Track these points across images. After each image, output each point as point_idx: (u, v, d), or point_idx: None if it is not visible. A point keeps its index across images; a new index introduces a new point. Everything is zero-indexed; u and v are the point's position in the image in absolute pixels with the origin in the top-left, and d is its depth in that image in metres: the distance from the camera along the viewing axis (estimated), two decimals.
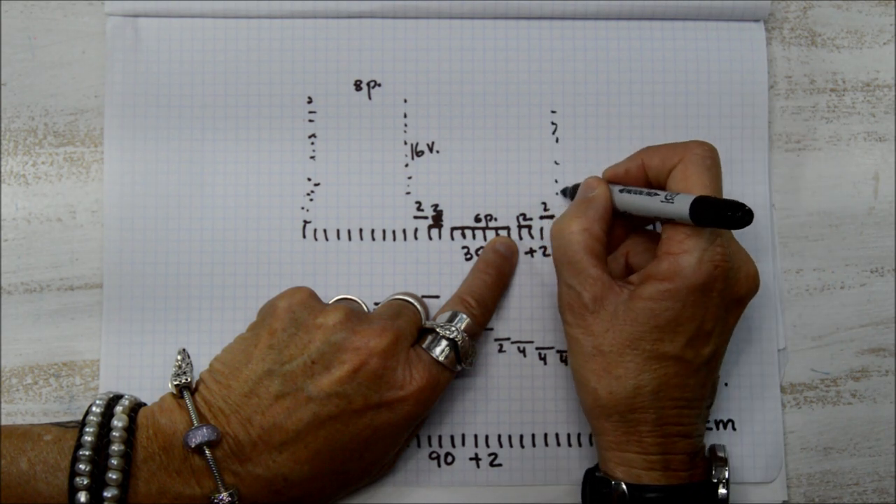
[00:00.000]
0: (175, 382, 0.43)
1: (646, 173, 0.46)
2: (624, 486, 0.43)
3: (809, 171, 0.53)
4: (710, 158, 0.44)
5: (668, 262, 0.42)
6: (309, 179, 0.51)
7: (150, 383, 0.49)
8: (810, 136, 0.53)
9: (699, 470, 0.44)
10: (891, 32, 0.54)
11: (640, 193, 0.45)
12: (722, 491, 0.44)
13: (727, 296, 0.44)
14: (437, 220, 0.51)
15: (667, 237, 0.43)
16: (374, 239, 0.51)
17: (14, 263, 0.50)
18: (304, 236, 0.51)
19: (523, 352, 0.50)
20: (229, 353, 0.44)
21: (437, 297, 0.50)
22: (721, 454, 0.45)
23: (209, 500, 0.41)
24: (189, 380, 0.43)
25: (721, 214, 0.40)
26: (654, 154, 0.45)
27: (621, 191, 0.46)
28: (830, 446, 0.51)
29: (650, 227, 0.50)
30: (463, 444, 0.50)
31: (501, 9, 0.51)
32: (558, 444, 0.50)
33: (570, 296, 0.45)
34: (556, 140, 0.52)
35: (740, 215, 0.39)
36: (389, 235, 0.51)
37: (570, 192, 0.50)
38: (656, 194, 0.43)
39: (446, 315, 0.46)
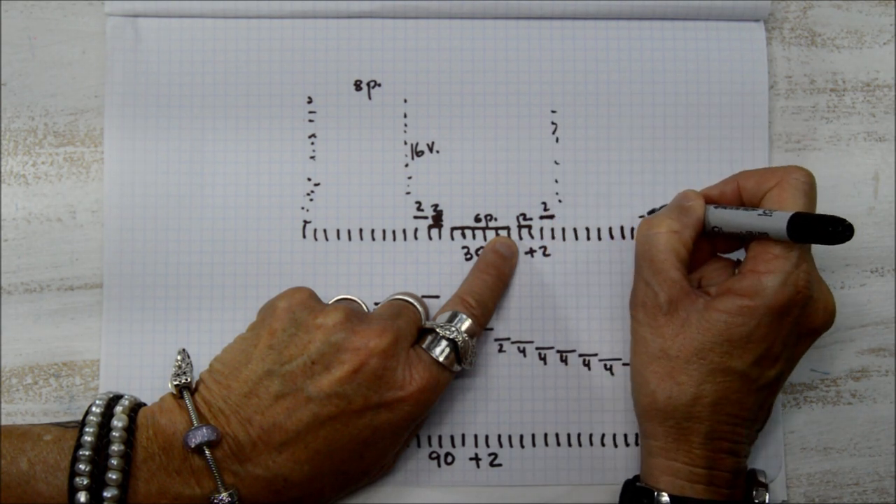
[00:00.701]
0: (175, 382, 0.43)
1: (741, 196, 0.46)
2: (666, 498, 0.43)
3: None
4: (807, 184, 0.44)
5: (751, 280, 0.43)
6: (309, 179, 0.51)
7: (150, 383, 0.49)
8: (810, 136, 0.53)
9: (739, 490, 0.45)
10: (891, 32, 0.54)
11: (736, 208, 0.44)
12: None
13: (802, 324, 0.44)
14: (437, 220, 0.51)
15: (753, 255, 0.43)
16: (374, 239, 0.51)
17: (14, 263, 0.50)
18: (304, 236, 0.51)
19: (523, 352, 0.50)
20: (229, 354, 0.44)
21: (437, 297, 0.50)
22: (762, 479, 0.46)
23: (209, 500, 0.41)
24: (189, 380, 0.43)
25: (821, 229, 0.39)
26: (749, 177, 0.45)
27: (716, 207, 0.46)
28: (830, 446, 0.51)
29: (730, 256, 0.49)
30: (463, 444, 0.50)
31: (501, 9, 0.51)
32: (558, 444, 0.50)
33: (647, 294, 0.45)
34: (556, 140, 0.52)
35: (840, 230, 0.39)
36: (389, 235, 0.51)
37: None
38: (753, 209, 0.43)
39: (446, 315, 0.46)
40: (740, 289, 0.43)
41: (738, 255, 0.48)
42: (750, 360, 0.43)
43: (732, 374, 0.43)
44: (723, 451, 0.44)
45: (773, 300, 0.42)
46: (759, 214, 0.43)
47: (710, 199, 0.47)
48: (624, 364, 0.50)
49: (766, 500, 0.45)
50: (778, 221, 0.41)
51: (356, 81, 0.52)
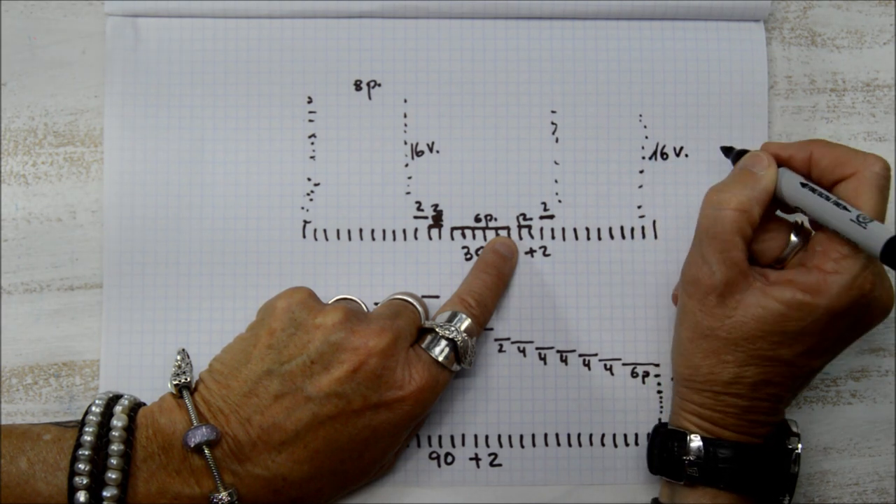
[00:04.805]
0: (174, 382, 0.43)
1: (810, 167, 0.43)
2: (699, 439, 0.43)
3: None
4: (885, 178, 0.41)
5: (816, 276, 0.41)
6: (309, 179, 0.51)
7: (150, 383, 0.49)
8: (810, 136, 0.53)
9: (772, 439, 0.45)
10: (891, 32, 0.54)
11: (828, 199, 0.41)
12: (794, 467, 0.44)
13: (859, 322, 0.43)
14: (437, 220, 0.51)
15: (821, 250, 0.42)
16: (374, 239, 0.51)
17: (14, 263, 0.50)
18: (304, 236, 0.51)
19: (523, 352, 0.50)
20: (229, 353, 0.44)
21: (437, 297, 0.50)
22: (794, 429, 0.46)
23: (208, 499, 0.41)
24: (188, 379, 0.43)
25: None
26: (826, 153, 0.43)
27: (803, 185, 0.42)
28: (830, 446, 0.51)
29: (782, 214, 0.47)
30: (463, 444, 0.50)
31: (501, 9, 0.51)
32: (558, 444, 0.50)
33: (702, 270, 0.43)
34: (556, 140, 0.52)
35: None
36: (389, 235, 0.51)
37: (733, 157, 0.47)
38: (846, 208, 0.40)
39: (446, 315, 0.46)
40: (803, 283, 0.41)
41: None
42: (799, 351, 0.42)
43: (778, 362, 0.43)
44: (758, 422, 0.44)
45: (835, 302, 0.41)
46: (852, 220, 0.39)
47: (778, 161, 0.44)
48: (624, 364, 0.50)
49: (800, 448, 0.45)
50: (872, 239, 0.38)
51: (356, 81, 0.52)
